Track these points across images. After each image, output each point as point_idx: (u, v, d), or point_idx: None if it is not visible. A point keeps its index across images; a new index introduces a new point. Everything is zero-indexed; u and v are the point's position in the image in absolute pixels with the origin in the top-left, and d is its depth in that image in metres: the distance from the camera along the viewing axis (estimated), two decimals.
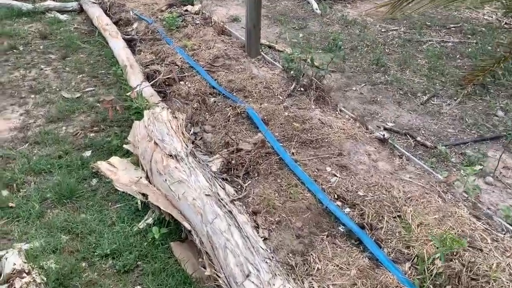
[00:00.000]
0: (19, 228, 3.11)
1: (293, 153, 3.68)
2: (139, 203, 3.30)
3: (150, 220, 3.17)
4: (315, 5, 8.10)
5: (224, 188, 3.08)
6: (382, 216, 2.97)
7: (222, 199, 2.91)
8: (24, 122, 4.41)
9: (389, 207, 3.03)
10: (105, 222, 3.19)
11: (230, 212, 2.79)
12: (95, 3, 7.40)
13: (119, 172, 3.69)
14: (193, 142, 3.76)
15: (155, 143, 3.47)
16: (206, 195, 2.91)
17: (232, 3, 8.38)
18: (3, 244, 2.98)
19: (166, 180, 3.17)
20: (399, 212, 2.99)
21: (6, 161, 3.84)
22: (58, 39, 6.43)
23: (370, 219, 2.96)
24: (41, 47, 6.22)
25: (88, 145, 4.06)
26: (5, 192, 3.46)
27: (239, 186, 3.27)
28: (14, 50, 6.06)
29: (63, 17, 7.31)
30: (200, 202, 2.88)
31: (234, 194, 3.09)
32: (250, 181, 3.29)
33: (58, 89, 5.06)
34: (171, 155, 3.29)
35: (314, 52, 5.77)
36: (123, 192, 3.47)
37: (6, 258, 2.64)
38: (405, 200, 3.08)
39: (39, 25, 6.97)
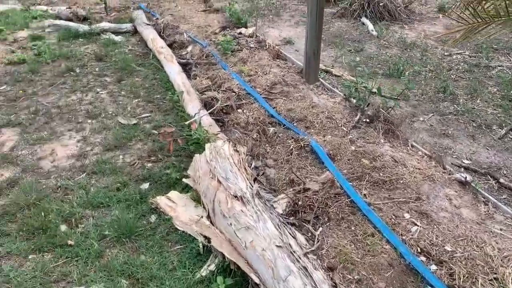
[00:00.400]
0: (78, 269, 2.97)
1: (365, 194, 3.39)
2: (201, 246, 3.09)
3: (212, 267, 2.95)
4: (370, 27, 7.81)
5: (295, 237, 2.82)
6: (475, 278, 2.62)
7: (294, 252, 2.65)
8: (81, 150, 4.35)
9: (483, 267, 2.68)
10: (166, 266, 3.00)
11: (305, 268, 2.53)
12: (149, 24, 7.43)
13: (178, 208, 3.51)
14: (255, 179, 3.53)
15: (219, 181, 3.27)
16: (277, 246, 2.66)
17: (284, 24, 8.21)
18: (62, 287, 2.84)
19: (231, 224, 2.95)
20: (496, 273, 2.63)
21: (65, 192, 3.76)
22: (113, 61, 6.44)
23: (461, 280, 2.62)
24: (96, 69, 6.24)
25: (145, 176, 3.92)
26: (63, 227, 3.35)
27: (309, 234, 3.00)
28: (71, 72, 6.11)
29: (117, 38, 7.37)
30: (271, 253, 2.63)
31: (306, 245, 2.82)
32: (321, 229, 3.02)
33: (114, 114, 5.00)
34: (236, 196, 3.07)
35: (374, 77, 5.48)
36: (183, 231, 3.28)
37: None
38: (501, 259, 2.71)
39: (95, 47, 7.05)
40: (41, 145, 4.42)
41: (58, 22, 7.87)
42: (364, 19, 8.14)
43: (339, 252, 2.79)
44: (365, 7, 8.20)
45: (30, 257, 3.10)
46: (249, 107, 4.77)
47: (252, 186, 3.24)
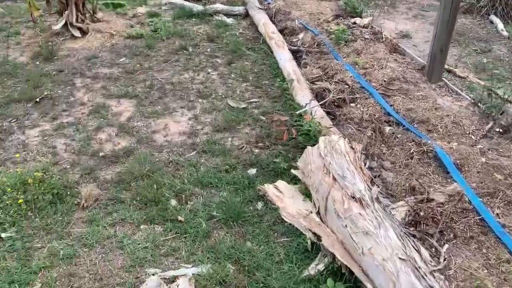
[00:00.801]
0: (187, 247, 2.99)
1: (497, 214, 3.00)
2: (309, 243, 2.96)
3: (321, 266, 2.80)
4: (500, 26, 7.01)
5: (419, 251, 2.56)
6: None
7: (419, 268, 2.39)
8: (192, 128, 4.41)
9: None
10: (272, 257, 2.91)
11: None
12: (261, 9, 7.37)
13: (285, 199, 3.39)
14: (371, 181, 3.29)
15: (334, 178, 3.08)
16: (400, 258, 2.42)
17: (400, 16, 7.71)
18: (171, 263, 2.88)
19: (346, 226, 2.76)
20: None
21: (176, 167, 3.83)
22: (224, 43, 6.50)
23: None
24: (208, 50, 6.34)
25: (253, 162, 3.87)
26: (173, 202, 3.41)
27: (433, 249, 2.72)
28: (184, 51, 6.26)
29: (229, 20, 7.42)
30: (392, 265, 2.40)
31: (431, 261, 2.55)
32: (447, 245, 2.72)
33: (224, 96, 5.02)
34: (353, 197, 2.87)
35: (503, 82, 4.90)
36: (290, 224, 3.16)
37: (178, 286, 2.50)
38: None
39: (207, 27, 7.17)
40: (155, 119, 4.57)
41: (174, 0, 8.12)
42: (493, 17, 7.34)
43: (469, 276, 2.48)
44: (496, 4, 7.38)
45: (142, 227, 3.20)
46: (363, 102, 4.50)
47: (371, 189, 3.01)
